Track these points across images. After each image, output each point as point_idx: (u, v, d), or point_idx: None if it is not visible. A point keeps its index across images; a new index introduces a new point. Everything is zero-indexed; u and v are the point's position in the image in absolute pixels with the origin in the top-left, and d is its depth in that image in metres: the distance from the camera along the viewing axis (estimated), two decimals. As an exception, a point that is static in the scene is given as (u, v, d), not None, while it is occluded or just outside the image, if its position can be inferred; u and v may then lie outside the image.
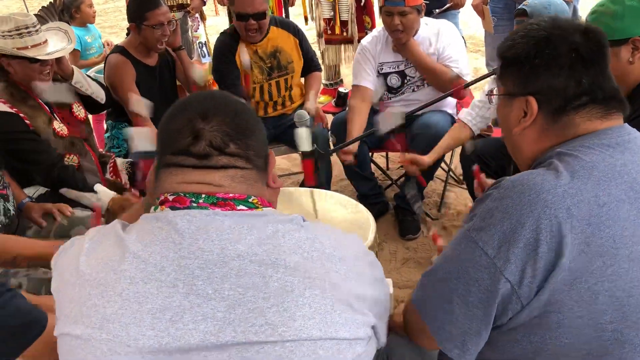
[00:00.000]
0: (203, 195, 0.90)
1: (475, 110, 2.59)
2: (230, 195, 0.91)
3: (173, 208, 0.90)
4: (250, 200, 0.93)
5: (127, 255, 0.86)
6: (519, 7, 2.37)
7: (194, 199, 0.90)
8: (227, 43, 3.04)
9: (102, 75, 2.97)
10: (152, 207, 0.95)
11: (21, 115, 2.20)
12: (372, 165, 3.18)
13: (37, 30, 2.21)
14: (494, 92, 1.19)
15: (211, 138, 0.92)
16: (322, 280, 0.86)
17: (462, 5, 3.88)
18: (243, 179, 0.94)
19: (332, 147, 2.90)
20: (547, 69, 1.05)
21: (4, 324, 1.11)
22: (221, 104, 0.96)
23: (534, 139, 1.10)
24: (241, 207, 0.91)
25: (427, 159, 2.51)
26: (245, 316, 0.82)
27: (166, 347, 0.81)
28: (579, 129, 1.05)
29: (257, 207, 0.93)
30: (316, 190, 2.23)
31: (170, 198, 0.92)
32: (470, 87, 2.77)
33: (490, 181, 1.53)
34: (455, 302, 1.01)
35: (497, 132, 2.83)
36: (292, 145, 3.17)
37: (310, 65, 3.23)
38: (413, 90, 2.92)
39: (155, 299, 0.83)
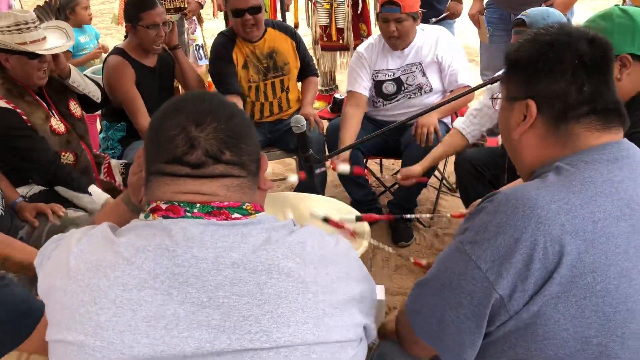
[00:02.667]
0: (197, 205, 0.88)
1: (469, 119, 2.60)
2: (225, 203, 0.90)
3: (166, 217, 0.88)
4: (244, 207, 0.92)
5: (119, 261, 0.85)
6: (517, 17, 2.37)
7: (188, 209, 0.88)
8: (224, 42, 3.07)
9: (99, 76, 2.96)
10: (143, 214, 0.92)
11: (18, 111, 2.20)
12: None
13: (36, 27, 2.21)
14: (498, 96, 1.19)
15: (207, 146, 0.88)
16: (314, 283, 0.86)
17: (458, 15, 3.91)
18: (238, 188, 0.92)
19: (327, 152, 2.91)
20: (549, 73, 1.04)
21: None
22: (214, 107, 0.92)
23: (534, 145, 1.08)
24: (236, 214, 0.90)
25: (419, 167, 2.53)
26: (240, 323, 0.82)
27: (161, 355, 0.81)
28: (579, 140, 1.04)
29: (250, 214, 0.92)
30: (311, 195, 2.23)
31: (164, 207, 0.89)
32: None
33: None
34: (448, 314, 1.00)
35: (490, 142, 2.85)
36: (287, 150, 3.19)
37: (307, 70, 3.24)
38: (409, 98, 2.94)
39: (149, 307, 0.82)
